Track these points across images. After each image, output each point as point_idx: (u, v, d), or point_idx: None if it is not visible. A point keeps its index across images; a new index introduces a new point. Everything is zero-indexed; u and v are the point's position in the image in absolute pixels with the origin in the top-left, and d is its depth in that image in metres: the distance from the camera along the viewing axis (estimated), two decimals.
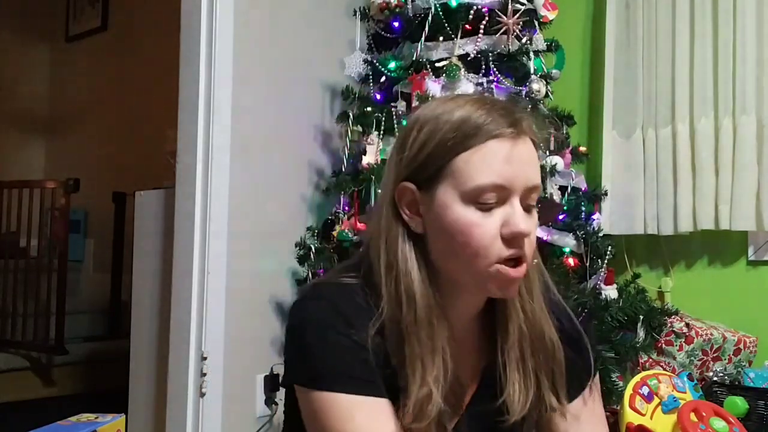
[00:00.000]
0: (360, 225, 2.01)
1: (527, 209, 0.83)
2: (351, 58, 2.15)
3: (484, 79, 1.92)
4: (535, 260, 0.88)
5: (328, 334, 0.83)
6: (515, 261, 0.81)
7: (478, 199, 0.80)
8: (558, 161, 1.96)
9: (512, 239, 0.80)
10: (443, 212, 0.82)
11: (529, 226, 0.82)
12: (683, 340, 2.02)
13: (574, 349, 0.92)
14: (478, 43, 1.95)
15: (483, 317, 0.93)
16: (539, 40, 2.06)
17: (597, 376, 0.98)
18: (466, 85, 1.93)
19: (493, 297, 0.87)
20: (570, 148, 2.13)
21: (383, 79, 2.07)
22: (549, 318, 0.89)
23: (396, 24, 2.07)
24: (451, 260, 0.84)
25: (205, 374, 2.02)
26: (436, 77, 1.95)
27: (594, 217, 2.05)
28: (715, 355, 2.05)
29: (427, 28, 1.98)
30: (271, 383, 2.18)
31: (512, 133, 0.81)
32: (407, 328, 0.83)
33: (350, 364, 0.82)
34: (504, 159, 0.80)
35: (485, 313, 0.92)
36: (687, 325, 2.04)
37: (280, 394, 2.15)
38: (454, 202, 0.81)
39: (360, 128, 2.11)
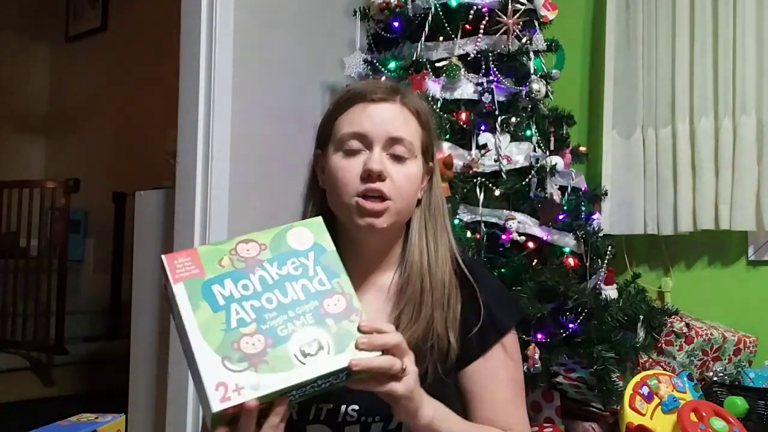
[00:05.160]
0: None
1: (396, 159, 0.98)
2: (351, 58, 2.15)
3: (484, 79, 1.91)
4: (445, 220, 1.04)
5: None
6: (374, 198, 0.96)
7: (343, 147, 0.98)
8: (558, 161, 1.96)
9: (366, 177, 0.96)
10: (328, 164, 1.01)
11: (384, 167, 0.96)
12: (683, 340, 2.02)
13: (487, 308, 0.99)
14: (478, 43, 1.95)
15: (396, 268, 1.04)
16: (539, 40, 2.06)
17: (510, 339, 1.02)
18: (466, 85, 1.93)
19: (361, 230, 0.98)
20: (570, 148, 2.13)
21: (383, 79, 2.07)
22: (448, 266, 1.01)
23: (396, 24, 2.07)
24: (332, 201, 1.01)
25: None
26: (436, 77, 1.95)
27: (594, 217, 2.04)
28: (715, 355, 2.05)
29: (427, 28, 1.97)
30: None
31: (377, 96, 0.99)
32: None
33: None
34: (365, 115, 0.98)
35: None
36: (687, 325, 2.04)
37: None
38: (333, 154, 1.00)
39: None
